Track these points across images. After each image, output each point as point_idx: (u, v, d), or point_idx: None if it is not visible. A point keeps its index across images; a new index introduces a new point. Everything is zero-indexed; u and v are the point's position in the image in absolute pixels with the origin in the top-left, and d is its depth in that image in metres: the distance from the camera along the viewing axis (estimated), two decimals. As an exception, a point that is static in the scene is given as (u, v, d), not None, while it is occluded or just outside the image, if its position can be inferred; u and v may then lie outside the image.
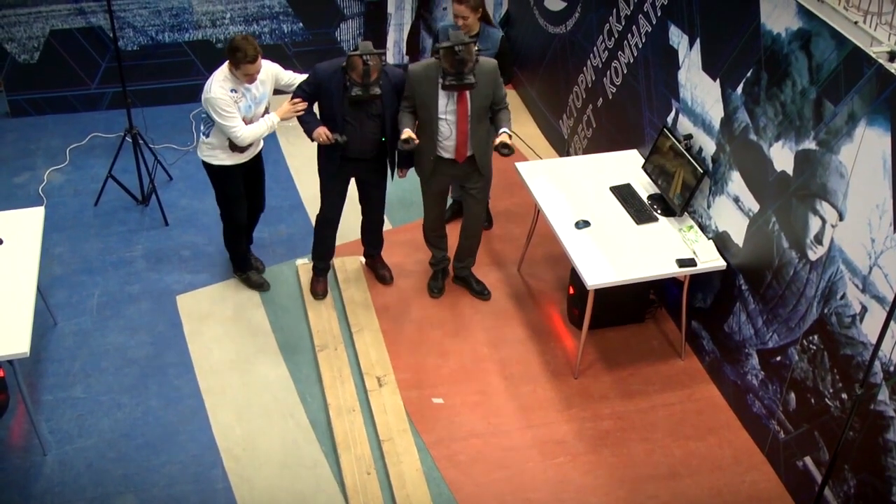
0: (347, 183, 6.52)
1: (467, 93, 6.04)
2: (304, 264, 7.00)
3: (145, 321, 6.60)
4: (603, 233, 6.19)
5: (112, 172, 7.55)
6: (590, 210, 6.39)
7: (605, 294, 6.03)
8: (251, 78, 5.97)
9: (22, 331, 5.27)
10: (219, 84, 5.97)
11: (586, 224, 6.25)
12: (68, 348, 6.35)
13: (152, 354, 6.33)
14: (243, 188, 6.48)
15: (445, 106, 6.08)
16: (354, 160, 6.31)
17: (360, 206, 6.77)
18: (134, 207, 7.62)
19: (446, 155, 6.27)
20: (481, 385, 6.27)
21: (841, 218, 4.85)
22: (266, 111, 6.25)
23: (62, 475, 5.54)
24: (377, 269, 7.03)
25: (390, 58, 9.38)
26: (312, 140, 6.18)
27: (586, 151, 7.83)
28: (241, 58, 5.81)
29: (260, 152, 6.54)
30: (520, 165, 6.86)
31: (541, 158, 7.82)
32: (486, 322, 6.72)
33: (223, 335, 6.53)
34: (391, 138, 6.26)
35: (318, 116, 6.21)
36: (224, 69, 5.99)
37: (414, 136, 6.02)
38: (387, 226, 7.50)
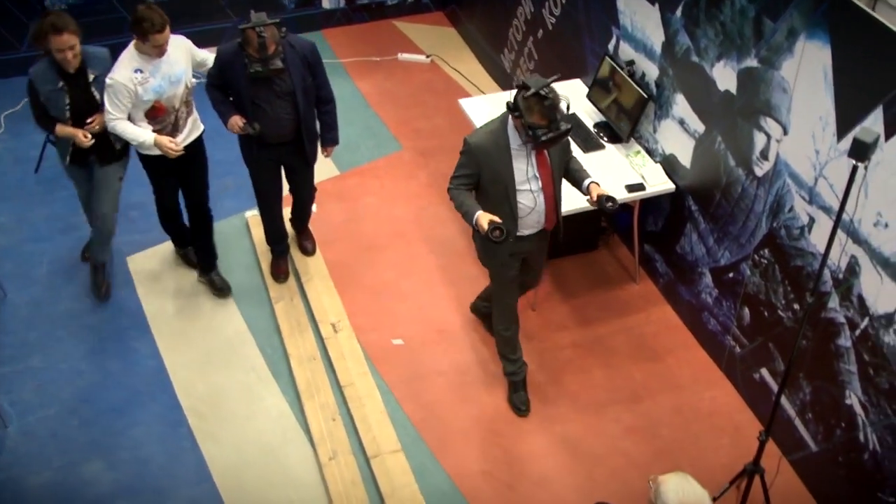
0: (276, 167, 6.12)
1: (546, 150, 5.00)
2: (254, 216, 6.94)
3: (98, 285, 6.54)
4: (551, 164, 6.19)
5: (50, 137, 7.39)
6: (536, 142, 6.37)
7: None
8: (160, 50, 5.51)
9: (-28, 303, 5.20)
10: (123, 67, 5.54)
11: (534, 156, 6.24)
12: (22, 319, 6.26)
13: (107, 318, 6.27)
14: (173, 179, 6.12)
15: (526, 174, 5.00)
16: (274, 145, 5.89)
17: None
18: (76, 171, 7.49)
19: (528, 231, 5.20)
20: (440, 324, 6.29)
21: (785, 132, 4.89)
22: (188, 101, 5.87)
23: (27, 446, 5.50)
24: (300, 241, 6.75)
25: (326, 3, 9.23)
26: (229, 130, 5.79)
27: (529, 84, 7.81)
28: (148, 28, 5.38)
29: (199, 139, 6.08)
30: (463, 101, 6.82)
31: (484, 94, 7.79)
32: (441, 261, 6.73)
33: (177, 293, 6.48)
34: (305, 121, 5.84)
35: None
36: (130, 49, 5.57)
37: (498, 219, 4.83)
38: (333, 171, 7.46)
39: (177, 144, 5.71)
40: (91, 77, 5.64)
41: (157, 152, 5.75)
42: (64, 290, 6.48)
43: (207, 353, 6.07)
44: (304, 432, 5.60)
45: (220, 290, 6.47)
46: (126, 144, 5.91)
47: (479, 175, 5.01)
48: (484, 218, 4.82)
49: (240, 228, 6.97)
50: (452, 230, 6.97)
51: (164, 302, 6.41)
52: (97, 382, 5.87)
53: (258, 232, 6.79)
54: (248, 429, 5.64)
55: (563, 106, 4.74)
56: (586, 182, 5.13)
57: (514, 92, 4.78)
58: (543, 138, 4.71)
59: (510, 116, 4.86)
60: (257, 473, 5.40)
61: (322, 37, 9.12)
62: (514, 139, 4.91)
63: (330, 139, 6.15)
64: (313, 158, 6.12)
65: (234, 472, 5.39)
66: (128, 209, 7.06)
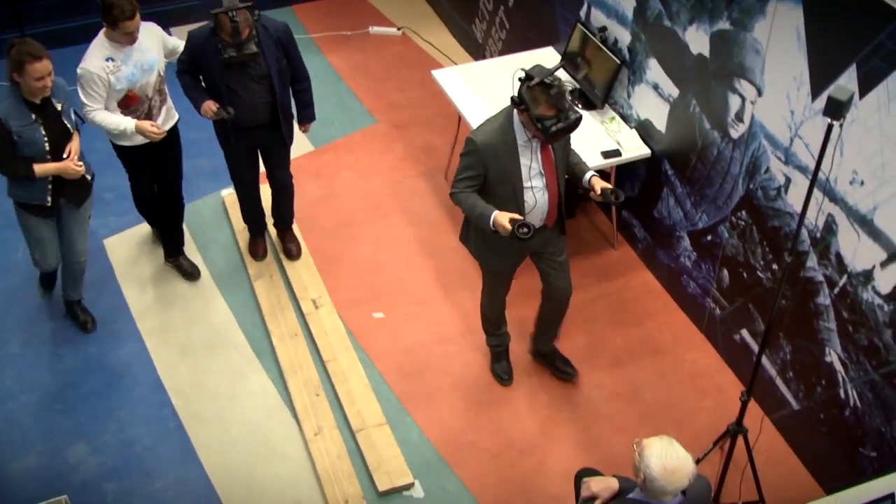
0: (253, 150, 6.02)
1: (551, 144, 4.81)
2: (230, 195, 6.90)
3: (75, 269, 6.48)
4: (526, 133, 6.18)
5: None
6: (511, 111, 6.36)
7: (534, 193, 6.06)
8: (132, 37, 5.38)
9: (-51, 291, 5.14)
10: (94, 56, 5.41)
11: (509, 126, 6.23)
12: (0, 306, 6.22)
13: (86, 302, 6.20)
14: (149, 169, 5.99)
15: (530, 170, 4.80)
16: (250, 129, 5.78)
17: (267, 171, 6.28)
18: (48, 155, 7.41)
19: None
20: (420, 296, 6.30)
21: (760, 94, 4.90)
22: (161, 90, 5.75)
23: (9, 432, 5.47)
24: (285, 243, 6.54)
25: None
26: (202, 116, 5.70)
27: (502, 53, 7.79)
28: (118, 15, 5.24)
29: (174, 128, 5.96)
30: (436, 73, 6.80)
31: (456, 64, 7.76)
32: (420, 234, 6.73)
33: (156, 275, 6.44)
34: (282, 100, 5.73)
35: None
36: (101, 38, 5.44)
37: (519, 216, 4.66)
38: (308, 147, 7.42)
39: (159, 127, 5.60)
40: (59, 107, 5.28)
41: (139, 140, 5.67)
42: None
43: (189, 334, 6.05)
44: (289, 409, 5.60)
45: (189, 273, 6.42)
46: (92, 178, 5.67)
47: (485, 175, 4.77)
48: (503, 217, 4.61)
49: (216, 208, 6.94)
50: (429, 202, 6.97)
51: (143, 284, 6.37)
52: (78, 367, 5.84)
53: (235, 211, 6.75)
54: (232, 407, 5.63)
55: (569, 94, 4.55)
56: (587, 175, 4.94)
57: (518, 85, 4.62)
58: (553, 129, 4.50)
59: (515, 111, 4.66)
60: (243, 451, 5.40)
61: (292, 12, 9.05)
62: (521, 135, 4.70)
63: (307, 116, 6.07)
64: (290, 140, 6.04)
65: (221, 451, 5.39)
66: (102, 192, 6.98)
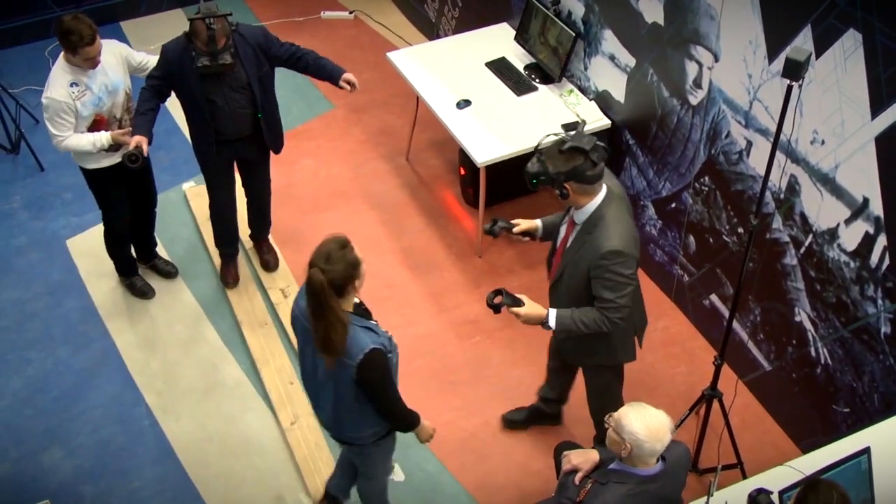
0: (231, 166, 5.84)
1: (571, 234, 4.23)
2: (192, 188, 6.85)
3: (38, 272, 6.39)
4: (485, 109, 6.19)
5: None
6: (469, 89, 6.36)
7: (496, 169, 6.05)
8: (93, 62, 5.17)
9: (-89, 302, 5.02)
10: (58, 83, 5.19)
11: (467, 103, 6.23)
12: (-37, 313, 6.14)
13: (52, 304, 6.16)
14: (125, 191, 5.78)
15: (556, 243, 4.43)
16: (231, 141, 5.58)
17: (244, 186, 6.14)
18: (4, 157, 7.30)
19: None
20: (388, 279, 6.28)
21: (716, 59, 4.92)
22: (130, 108, 5.52)
23: (-19, 440, 5.42)
24: (262, 254, 6.39)
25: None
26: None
27: (456, 31, 7.76)
28: (76, 41, 5.02)
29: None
30: (391, 55, 6.77)
31: (410, 45, 7.73)
32: (384, 216, 6.70)
33: (121, 272, 6.38)
34: (265, 112, 5.53)
35: (181, 103, 5.48)
36: (61, 62, 5.23)
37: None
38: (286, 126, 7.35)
39: (128, 129, 5.43)
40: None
41: (115, 159, 5.52)
42: (3, 279, 6.35)
43: (158, 330, 6.00)
44: (264, 399, 5.58)
45: (168, 273, 6.33)
46: None
47: None
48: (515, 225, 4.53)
49: (178, 202, 6.87)
50: (391, 184, 6.95)
51: (109, 282, 6.30)
52: (48, 369, 5.78)
53: (196, 203, 6.71)
54: (206, 401, 5.60)
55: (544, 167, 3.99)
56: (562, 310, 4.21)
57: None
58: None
59: None
60: (221, 445, 5.37)
61: (242, 1, 8.97)
62: None
63: (337, 72, 5.79)
64: (276, 147, 5.82)
65: (197, 446, 5.37)
66: (61, 191, 6.95)
